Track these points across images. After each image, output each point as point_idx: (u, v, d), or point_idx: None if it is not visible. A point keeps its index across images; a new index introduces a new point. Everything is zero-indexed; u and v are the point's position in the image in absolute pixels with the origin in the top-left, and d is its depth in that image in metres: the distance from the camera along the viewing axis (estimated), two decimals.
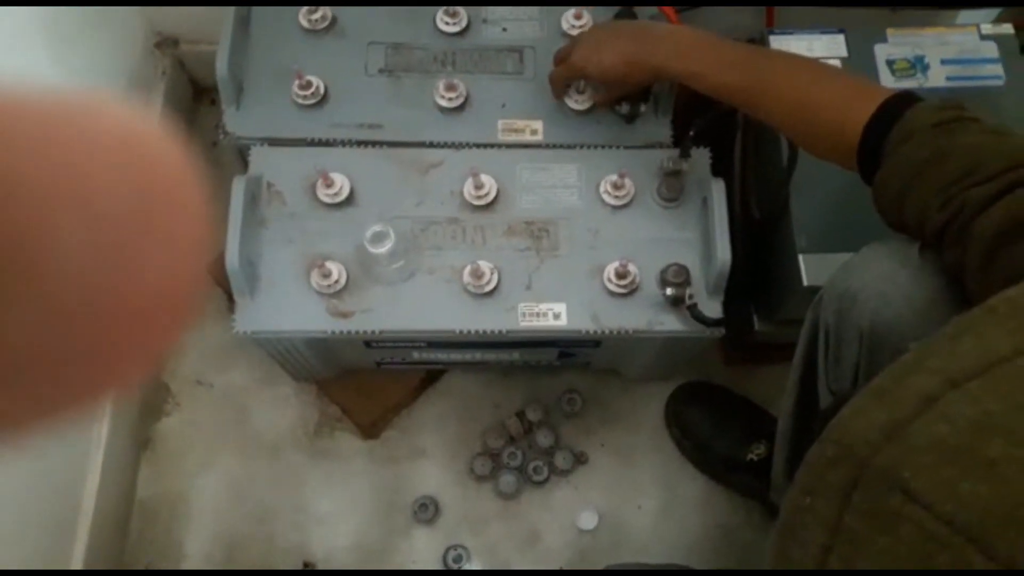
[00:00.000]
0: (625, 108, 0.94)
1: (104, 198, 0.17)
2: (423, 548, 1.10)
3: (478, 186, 0.89)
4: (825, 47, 0.98)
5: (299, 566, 1.08)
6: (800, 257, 0.89)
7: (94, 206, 0.17)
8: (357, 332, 0.87)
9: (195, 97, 1.28)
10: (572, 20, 0.98)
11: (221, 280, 0.97)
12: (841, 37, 0.99)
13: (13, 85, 0.17)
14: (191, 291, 0.20)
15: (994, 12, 1.08)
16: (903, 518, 0.33)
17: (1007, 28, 0.99)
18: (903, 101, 0.64)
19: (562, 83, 0.92)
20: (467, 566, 1.08)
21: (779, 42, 0.98)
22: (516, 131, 0.95)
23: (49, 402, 0.18)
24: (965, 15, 1.08)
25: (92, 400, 0.19)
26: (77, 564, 0.98)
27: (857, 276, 0.70)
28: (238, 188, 0.86)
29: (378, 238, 0.82)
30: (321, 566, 1.09)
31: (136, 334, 0.19)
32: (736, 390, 1.15)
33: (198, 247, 0.20)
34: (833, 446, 0.38)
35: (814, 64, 0.77)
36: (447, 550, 1.09)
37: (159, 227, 0.19)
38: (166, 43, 1.17)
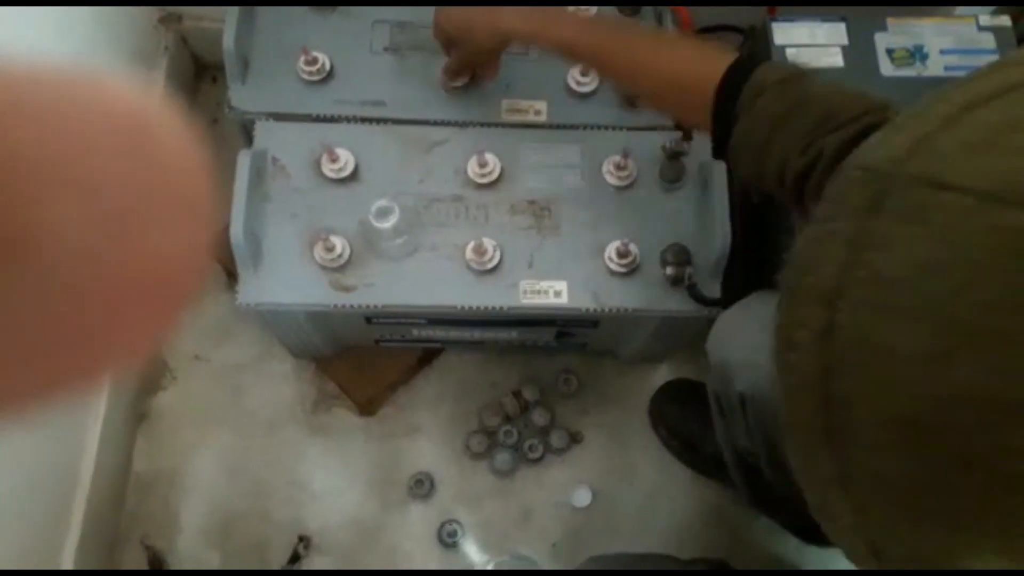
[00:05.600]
0: None
1: (105, 173, 0.17)
2: (418, 523, 1.11)
3: (482, 164, 0.90)
4: (826, 35, 0.99)
5: (294, 540, 1.09)
6: None
7: (95, 181, 0.17)
8: (359, 306, 0.87)
9: (197, 74, 1.28)
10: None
11: (220, 256, 0.97)
12: (842, 26, 1.00)
13: (12, 59, 0.16)
14: (194, 268, 0.20)
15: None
16: (935, 206, 0.31)
17: (1005, 20, 1.01)
18: (749, 62, 0.66)
19: (446, 52, 0.91)
20: (461, 541, 1.10)
21: (781, 29, 0.99)
22: (520, 111, 0.96)
23: (50, 378, 0.18)
24: (963, 8, 1.10)
25: (93, 376, 0.19)
26: (74, 535, 0.99)
27: (726, 348, 0.76)
28: (244, 162, 0.86)
29: (383, 213, 0.83)
30: (316, 540, 1.10)
31: (138, 310, 0.19)
32: None
33: (202, 223, 0.20)
34: (857, 171, 0.35)
35: (658, 30, 0.81)
36: (442, 525, 1.10)
37: (161, 203, 0.19)
38: (170, 19, 1.17)
